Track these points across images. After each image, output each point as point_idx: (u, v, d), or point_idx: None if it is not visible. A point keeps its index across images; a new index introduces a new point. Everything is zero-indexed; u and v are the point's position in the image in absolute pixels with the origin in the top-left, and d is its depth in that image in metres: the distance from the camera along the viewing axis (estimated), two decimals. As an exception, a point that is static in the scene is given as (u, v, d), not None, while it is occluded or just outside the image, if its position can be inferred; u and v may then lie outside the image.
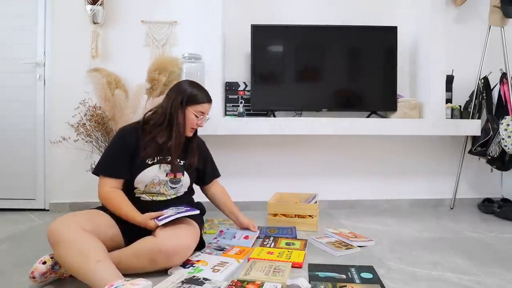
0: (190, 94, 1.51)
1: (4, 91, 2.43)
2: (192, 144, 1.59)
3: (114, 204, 1.36)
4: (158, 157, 1.46)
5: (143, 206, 1.41)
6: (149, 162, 1.44)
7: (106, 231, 1.30)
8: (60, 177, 2.43)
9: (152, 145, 1.45)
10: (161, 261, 1.22)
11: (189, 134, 1.54)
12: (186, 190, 1.57)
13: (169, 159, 1.48)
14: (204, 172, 1.71)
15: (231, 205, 1.78)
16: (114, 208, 1.35)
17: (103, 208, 1.42)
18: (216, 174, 1.79)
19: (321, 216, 2.27)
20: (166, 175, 1.47)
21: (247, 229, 1.77)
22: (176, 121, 1.48)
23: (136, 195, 1.45)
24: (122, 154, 1.43)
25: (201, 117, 1.53)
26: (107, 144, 2.19)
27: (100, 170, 1.42)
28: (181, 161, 1.52)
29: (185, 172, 1.53)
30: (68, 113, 2.28)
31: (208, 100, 1.55)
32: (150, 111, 1.56)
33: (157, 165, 1.45)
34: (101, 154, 2.20)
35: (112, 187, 1.40)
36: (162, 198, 1.48)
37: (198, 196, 1.71)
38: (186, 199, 1.58)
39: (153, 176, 1.44)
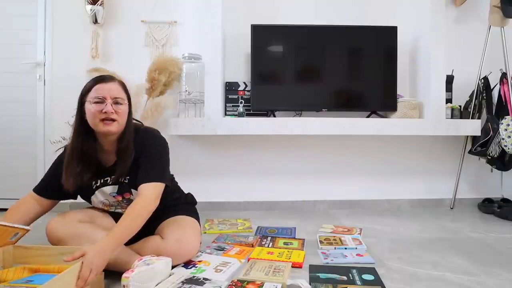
0: (83, 88, 1.27)
1: (4, 91, 2.43)
2: (120, 146, 1.28)
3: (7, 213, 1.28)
4: (102, 180, 1.31)
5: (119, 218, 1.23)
6: (93, 187, 1.32)
7: (104, 225, 1.33)
8: (60, 177, 2.42)
9: (92, 167, 1.27)
10: None
11: (102, 128, 1.21)
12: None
13: (108, 181, 1.31)
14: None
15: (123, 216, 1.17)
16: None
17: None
18: (143, 178, 1.24)
19: (321, 216, 2.27)
20: (114, 197, 1.34)
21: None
22: (81, 123, 1.25)
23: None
24: (56, 175, 1.29)
25: (104, 101, 1.21)
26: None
27: (35, 186, 1.36)
28: (125, 179, 1.31)
29: (132, 190, 1.32)
30: (68, 113, 2.27)
31: (97, 80, 1.25)
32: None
33: (103, 188, 1.32)
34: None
35: (33, 198, 1.34)
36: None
37: (187, 187, 1.66)
38: (177, 200, 1.52)
39: (102, 201, 1.36)
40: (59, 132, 2.30)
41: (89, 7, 2.34)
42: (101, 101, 1.21)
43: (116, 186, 1.31)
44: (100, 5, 2.34)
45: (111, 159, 1.31)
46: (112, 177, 1.30)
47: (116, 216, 1.36)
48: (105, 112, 1.20)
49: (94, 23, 2.38)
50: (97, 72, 2.21)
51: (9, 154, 2.42)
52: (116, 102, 1.23)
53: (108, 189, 1.33)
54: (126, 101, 1.28)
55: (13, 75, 2.42)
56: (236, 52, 2.51)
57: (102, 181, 1.32)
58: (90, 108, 1.21)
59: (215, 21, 2.28)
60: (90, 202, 1.39)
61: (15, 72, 2.42)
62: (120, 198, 1.34)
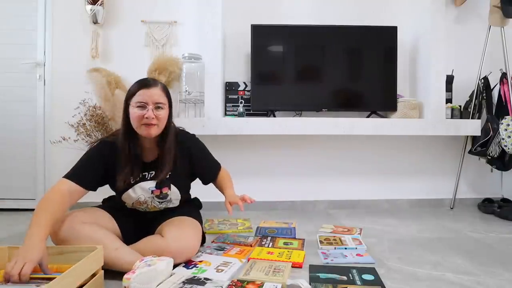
0: (128, 91, 1.35)
1: (4, 91, 2.43)
2: (163, 145, 1.39)
3: (39, 206, 1.16)
4: (141, 174, 1.38)
5: (139, 215, 1.47)
6: (132, 182, 1.37)
7: (106, 225, 1.34)
8: (60, 177, 2.41)
9: (134, 162, 1.35)
10: None
11: (143, 131, 1.31)
12: (177, 204, 1.50)
13: (152, 175, 1.39)
14: (202, 174, 1.58)
15: (223, 181, 1.60)
16: (36, 210, 1.16)
17: (101, 206, 1.47)
18: (215, 170, 1.61)
19: (321, 216, 2.27)
20: (152, 192, 1.40)
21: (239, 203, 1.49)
22: (126, 124, 1.34)
23: (128, 207, 1.46)
24: (96, 166, 1.33)
25: (146, 107, 1.29)
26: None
27: (67, 174, 1.31)
28: (167, 175, 1.41)
29: (171, 185, 1.42)
30: (68, 113, 2.28)
31: (141, 85, 1.32)
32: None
33: (141, 183, 1.38)
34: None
35: (67, 190, 1.25)
36: (155, 209, 1.46)
37: (194, 191, 1.69)
38: (182, 203, 1.54)
39: (138, 196, 1.39)
40: (59, 132, 2.31)
41: (89, 7, 2.34)
42: (143, 106, 1.30)
43: (155, 181, 1.39)
44: (100, 5, 2.34)
45: (151, 156, 1.41)
46: (151, 172, 1.39)
47: (140, 218, 1.45)
48: (147, 118, 1.28)
49: (94, 23, 2.37)
50: (97, 72, 2.21)
51: (9, 154, 2.42)
52: (157, 107, 1.32)
53: (147, 184, 1.39)
54: (167, 105, 1.36)
55: (13, 75, 2.42)
56: (236, 52, 2.51)
57: (141, 175, 1.38)
58: (133, 112, 1.31)
59: (215, 21, 2.28)
60: (120, 196, 1.40)
61: (15, 72, 2.41)
62: (158, 193, 1.41)
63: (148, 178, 1.40)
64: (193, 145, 1.51)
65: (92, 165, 1.34)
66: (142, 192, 1.39)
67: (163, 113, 1.34)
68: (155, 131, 1.32)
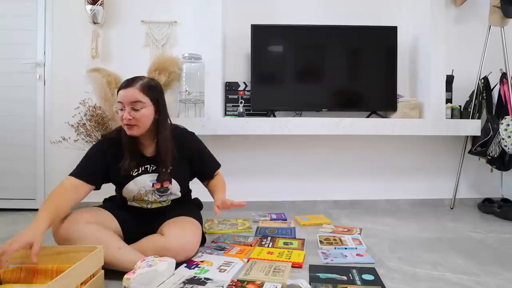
0: None
1: (4, 91, 2.43)
2: (159, 147, 1.41)
3: (45, 201, 1.22)
4: (143, 167, 1.42)
5: (142, 213, 1.48)
6: (134, 174, 1.40)
7: (109, 225, 1.34)
8: (60, 177, 2.39)
9: (134, 156, 1.39)
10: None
11: (127, 131, 1.34)
12: (180, 195, 1.52)
13: (154, 169, 1.42)
14: (201, 170, 1.59)
15: (218, 185, 1.58)
16: (42, 205, 1.22)
17: (102, 206, 1.47)
18: (214, 166, 1.63)
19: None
20: (153, 185, 1.42)
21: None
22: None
23: (129, 204, 1.48)
24: (98, 162, 1.38)
25: (123, 108, 1.31)
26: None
27: (72, 171, 1.35)
28: (167, 169, 1.43)
29: (172, 180, 1.45)
30: (68, 113, 2.28)
31: (120, 86, 1.33)
32: None
33: (143, 176, 1.41)
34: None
35: (71, 186, 1.29)
36: (156, 205, 1.49)
37: (194, 192, 1.72)
38: (183, 202, 1.57)
39: (139, 188, 1.42)
40: (59, 132, 2.30)
41: (89, 7, 2.34)
42: (122, 107, 1.32)
43: (156, 175, 1.41)
44: (100, 5, 2.34)
45: (150, 151, 1.44)
46: (153, 166, 1.42)
47: (141, 217, 1.46)
48: (124, 119, 1.31)
49: (94, 23, 2.38)
50: (97, 72, 2.20)
51: (9, 154, 2.42)
52: (132, 108, 1.31)
53: (149, 176, 1.41)
54: (147, 104, 1.33)
55: (13, 75, 2.42)
56: (236, 52, 2.51)
57: (142, 168, 1.41)
58: (118, 114, 1.34)
59: (215, 21, 2.28)
60: (121, 191, 1.43)
61: (15, 72, 2.41)
62: (158, 186, 1.43)
63: (150, 171, 1.42)
64: (193, 140, 1.54)
65: (94, 161, 1.38)
66: (143, 184, 1.41)
67: (140, 114, 1.31)
68: (136, 131, 1.33)
